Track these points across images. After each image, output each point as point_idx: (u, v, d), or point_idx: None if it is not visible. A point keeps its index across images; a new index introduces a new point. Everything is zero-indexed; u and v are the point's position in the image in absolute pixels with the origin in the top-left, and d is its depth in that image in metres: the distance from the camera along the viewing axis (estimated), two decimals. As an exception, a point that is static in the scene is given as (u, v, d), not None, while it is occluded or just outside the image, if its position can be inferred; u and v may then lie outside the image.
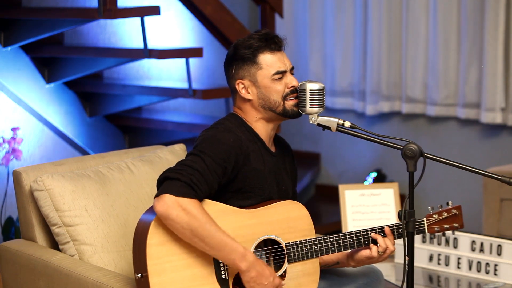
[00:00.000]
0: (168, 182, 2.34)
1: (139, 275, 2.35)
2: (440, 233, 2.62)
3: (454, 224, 2.61)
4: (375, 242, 2.57)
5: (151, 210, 2.39)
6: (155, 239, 2.34)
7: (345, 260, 2.64)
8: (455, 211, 2.60)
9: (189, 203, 2.32)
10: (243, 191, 2.50)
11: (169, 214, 2.31)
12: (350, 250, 2.61)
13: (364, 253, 2.57)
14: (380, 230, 2.58)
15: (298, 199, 2.68)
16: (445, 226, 2.60)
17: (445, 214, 2.60)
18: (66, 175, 2.73)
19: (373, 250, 2.56)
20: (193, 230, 2.32)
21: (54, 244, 2.77)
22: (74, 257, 2.67)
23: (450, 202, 2.62)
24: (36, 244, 2.78)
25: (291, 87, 2.55)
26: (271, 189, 2.56)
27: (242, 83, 2.55)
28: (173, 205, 2.31)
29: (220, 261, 2.41)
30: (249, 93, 2.55)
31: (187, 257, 2.38)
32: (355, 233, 2.57)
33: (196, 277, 2.38)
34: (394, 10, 5.39)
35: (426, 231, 2.60)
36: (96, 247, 2.68)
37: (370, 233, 2.57)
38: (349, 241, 2.56)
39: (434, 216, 2.60)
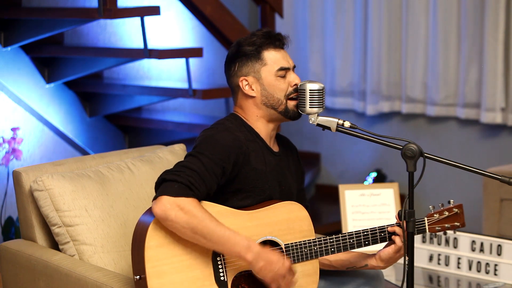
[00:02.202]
0: (165, 184, 2.34)
1: (138, 277, 2.35)
2: (441, 232, 2.59)
3: (456, 223, 2.57)
4: (383, 240, 2.55)
5: (150, 211, 2.38)
6: (154, 241, 2.34)
7: (373, 263, 2.59)
8: (456, 209, 2.57)
9: (187, 202, 2.31)
10: (242, 191, 2.50)
11: (168, 215, 2.30)
12: (372, 253, 2.59)
13: (390, 249, 2.53)
14: (381, 230, 2.56)
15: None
16: (446, 225, 2.57)
17: (446, 213, 2.56)
18: (66, 175, 2.72)
19: (398, 241, 2.52)
20: (193, 228, 2.31)
21: (54, 244, 2.77)
22: (74, 257, 2.67)
23: (451, 201, 2.58)
24: (36, 244, 2.78)
25: (294, 85, 2.56)
26: (272, 189, 2.56)
27: (246, 80, 2.56)
28: (171, 206, 2.30)
29: (219, 263, 2.41)
30: (252, 89, 2.56)
31: (186, 259, 2.37)
32: (355, 234, 2.55)
33: (195, 279, 2.37)
34: (394, 10, 5.39)
35: (427, 230, 2.56)
36: (96, 247, 2.68)
37: (377, 231, 2.54)
38: (349, 242, 2.55)
39: (435, 215, 2.56)
